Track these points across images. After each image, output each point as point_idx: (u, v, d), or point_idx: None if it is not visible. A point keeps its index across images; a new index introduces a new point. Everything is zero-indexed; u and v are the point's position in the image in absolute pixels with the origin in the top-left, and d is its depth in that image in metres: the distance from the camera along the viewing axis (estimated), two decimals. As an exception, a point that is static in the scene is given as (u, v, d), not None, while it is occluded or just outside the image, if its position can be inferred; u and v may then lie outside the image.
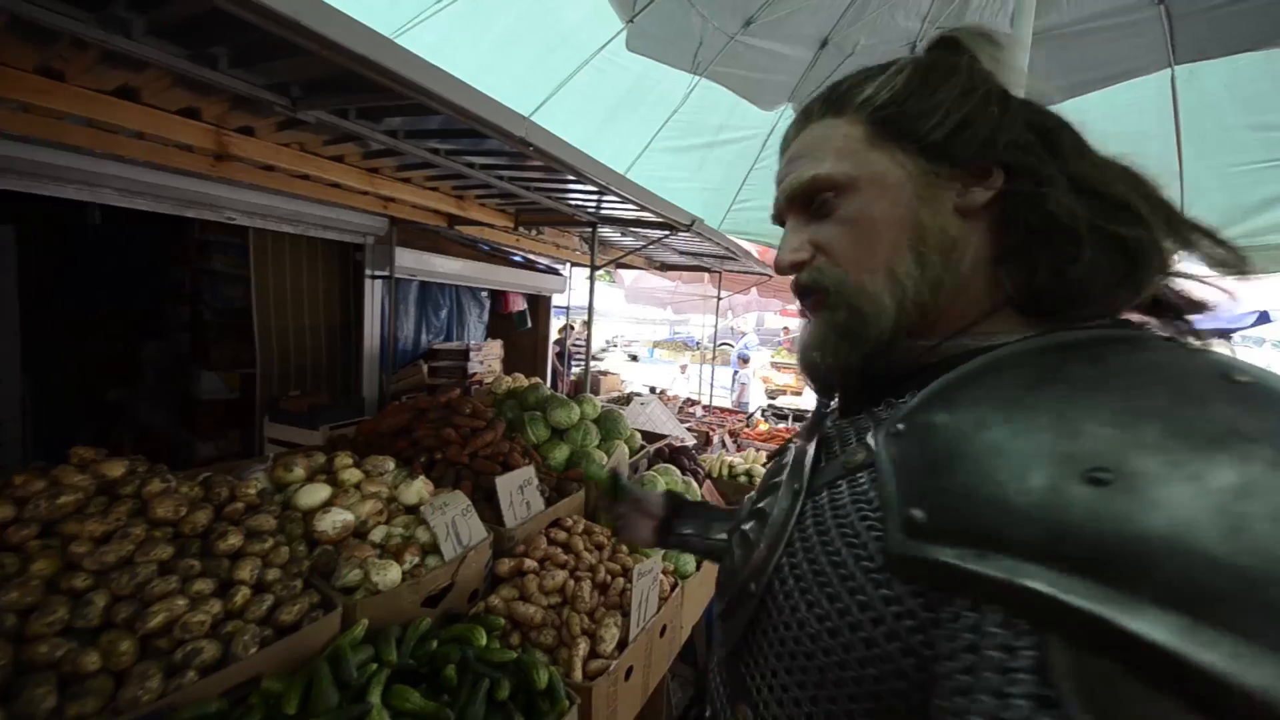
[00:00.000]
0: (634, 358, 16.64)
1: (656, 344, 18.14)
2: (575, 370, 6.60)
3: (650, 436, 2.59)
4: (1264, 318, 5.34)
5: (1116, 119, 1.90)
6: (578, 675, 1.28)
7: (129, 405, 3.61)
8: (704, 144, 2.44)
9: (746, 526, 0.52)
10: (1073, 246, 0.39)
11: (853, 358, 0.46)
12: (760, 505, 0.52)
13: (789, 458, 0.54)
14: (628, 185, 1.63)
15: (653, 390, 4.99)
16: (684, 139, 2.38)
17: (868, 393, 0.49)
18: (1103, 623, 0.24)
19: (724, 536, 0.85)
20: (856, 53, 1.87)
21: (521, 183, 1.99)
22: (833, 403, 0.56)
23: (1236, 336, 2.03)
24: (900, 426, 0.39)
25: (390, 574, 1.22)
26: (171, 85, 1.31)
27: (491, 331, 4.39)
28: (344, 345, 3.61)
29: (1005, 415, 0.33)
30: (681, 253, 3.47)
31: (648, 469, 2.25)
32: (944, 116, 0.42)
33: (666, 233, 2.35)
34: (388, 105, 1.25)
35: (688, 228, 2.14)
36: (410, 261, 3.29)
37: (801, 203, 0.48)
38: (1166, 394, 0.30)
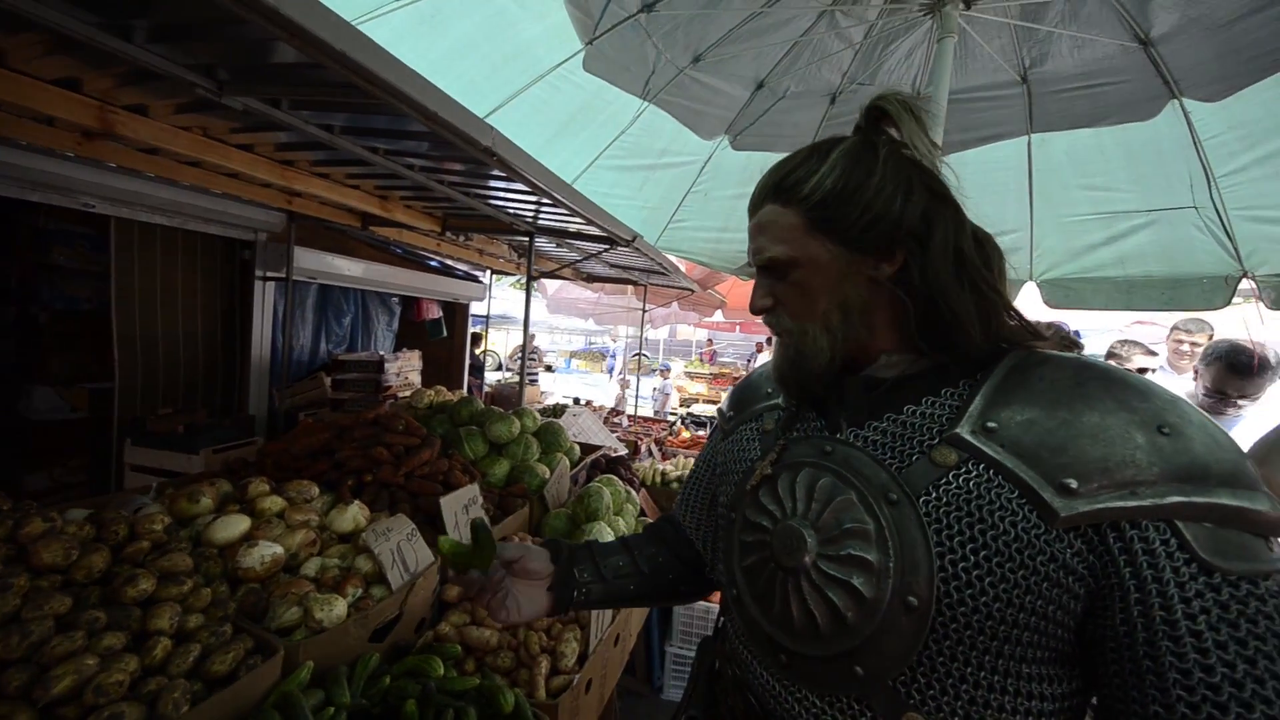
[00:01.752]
0: (549, 368, 16.34)
1: (573, 354, 17.97)
2: (490, 380, 6.35)
3: (585, 448, 2.59)
4: (1075, 335, 6.91)
5: (987, 172, 2.33)
6: (542, 694, 1.25)
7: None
8: (647, 165, 2.55)
9: (842, 551, 0.55)
10: (945, 307, 0.57)
11: (806, 377, 0.64)
12: (845, 522, 0.56)
13: (788, 455, 0.65)
14: (580, 200, 1.65)
15: (577, 401, 4.95)
16: (628, 159, 2.48)
17: (868, 402, 0.63)
18: (1204, 504, 0.45)
19: (623, 564, 0.86)
20: (786, 97, 2.09)
21: (461, 188, 1.92)
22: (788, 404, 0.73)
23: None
24: (991, 424, 0.53)
25: (336, 609, 1.12)
26: (49, 51, 1.11)
27: (402, 341, 4.10)
28: (226, 355, 3.15)
29: (1083, 404, 0.50)
30: (611, 265, 3.52)
31: (588, 481, 2.25)
32: (860, 215, 0.57)
33: (606, 246, 2.39)
34: (339, 102, 1.16)
35: (629, 243, 2.20)
36: (310, 262, 2.97)
37: (765, 267, 0.65)
38: (1132, 381, 0.52)
